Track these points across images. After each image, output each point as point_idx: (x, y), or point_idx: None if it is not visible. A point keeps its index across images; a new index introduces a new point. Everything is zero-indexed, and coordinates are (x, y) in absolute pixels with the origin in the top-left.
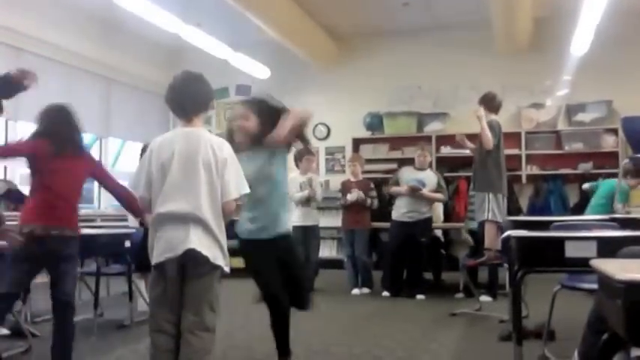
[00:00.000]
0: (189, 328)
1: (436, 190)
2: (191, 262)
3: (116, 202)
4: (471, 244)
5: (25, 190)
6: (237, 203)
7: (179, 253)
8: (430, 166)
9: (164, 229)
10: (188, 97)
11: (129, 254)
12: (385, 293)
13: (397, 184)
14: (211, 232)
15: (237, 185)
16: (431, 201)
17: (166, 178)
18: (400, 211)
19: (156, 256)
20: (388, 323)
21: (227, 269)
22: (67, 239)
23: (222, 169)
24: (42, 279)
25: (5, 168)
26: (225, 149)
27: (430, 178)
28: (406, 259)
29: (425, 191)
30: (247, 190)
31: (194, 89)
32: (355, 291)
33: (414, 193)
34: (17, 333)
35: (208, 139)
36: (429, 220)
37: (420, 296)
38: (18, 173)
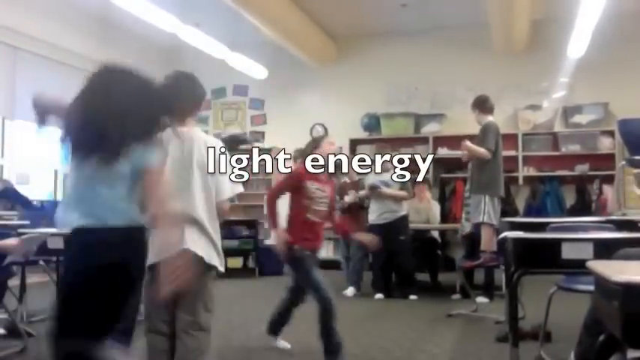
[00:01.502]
0: (184, 328)
1: (400, 189)
2: None
3: None
4: (466, 248)
5: (21, 189)
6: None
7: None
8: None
9: (159, 230)
10: (181, 97)
11: None
12: (378, 295)
13: (363, 188)
14: (206, 233)
15: (232, 185)
16: (399, 199)
17: None
18: (374, 214)
19: (151, 257)
20: (384, 324)
21: (222, 269)
22: None
23: (216, 169)
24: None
25: (1, 167)
26: (219, 149)
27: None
28: (392, 261)
29: (385, 189)
30: (242, 190)
31: (186, 89)
32: (346, 292)
33: (373, 191)
34: (13, 332)
35: (202, 139)
36: (404, 219)
37: (412, 297)
38: (14, 173)
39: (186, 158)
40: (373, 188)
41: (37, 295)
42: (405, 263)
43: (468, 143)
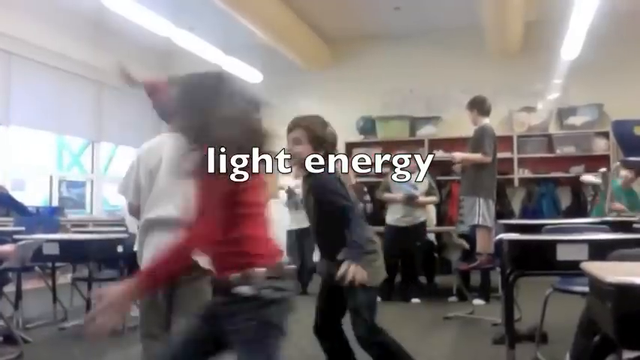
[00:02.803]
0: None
1: (428, 193)
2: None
3: (109, 207)
4: (466, 248)
5: (17, 195)
6: None
7: None
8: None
9: (153, 235)
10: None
11: (121, 259)
12: None
13: (388, 189)
14: None
15: None
16: (428, 204)
17: (154, 183)
18: (395, 216)
19: (145, 262)
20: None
21: None
22: None
23: None
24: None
25: None
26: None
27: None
28: (399, 264)
29: (420, 198)
30: None
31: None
32: None
33: (411, 202)
34: (9, 339)
35: None
36: (424, 224)
37: (415, 300)
38: (9, 179)
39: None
40: (412, 199)
41: (33, 301)
42: (416, 267)
43: (460, 155)
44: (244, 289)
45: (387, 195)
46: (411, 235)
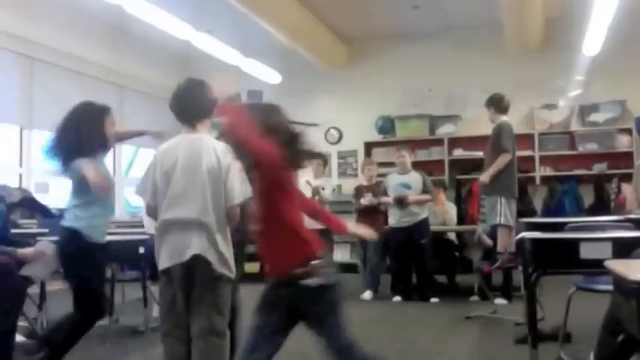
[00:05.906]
0: (198, 333)
1: (423, 191)
2: (197, 268)
3: (131, 209)
4: (490, 246)
5: (41, 198)
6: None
7: (185, 258)
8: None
9: (170, 235)
10: (191, 104)
11: (143, 260)
12: (396, 298)
13: (385, 192)
14: (216, 237)
15: (241, 190)
16: (422, 203)
17: (170, 184)
18: (395, 217)
19: (162, 262)
20: (402, 327)
21: (232, 275)
22: None
23: (225, 174)
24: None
25: (20, 176)
26: (229, 155)
27: (415, 179)
28: (412, 263)
29: (411, 197)
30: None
31: (196, 95)
32: (364, 295)
33: (401, 203)
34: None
35: (212, 145)
36: (425, 221)
37: (434, 299)
38: (33, 182)
39: (195, 164)
40: (400, 201)
41: (57, 302)
42: (426, 266)
43: (486, 175)
44: (311, 281)
45: (383, 199)
46: (415, 234)
